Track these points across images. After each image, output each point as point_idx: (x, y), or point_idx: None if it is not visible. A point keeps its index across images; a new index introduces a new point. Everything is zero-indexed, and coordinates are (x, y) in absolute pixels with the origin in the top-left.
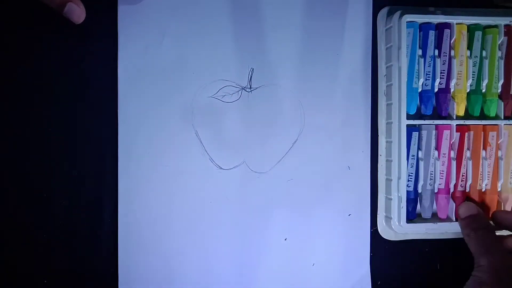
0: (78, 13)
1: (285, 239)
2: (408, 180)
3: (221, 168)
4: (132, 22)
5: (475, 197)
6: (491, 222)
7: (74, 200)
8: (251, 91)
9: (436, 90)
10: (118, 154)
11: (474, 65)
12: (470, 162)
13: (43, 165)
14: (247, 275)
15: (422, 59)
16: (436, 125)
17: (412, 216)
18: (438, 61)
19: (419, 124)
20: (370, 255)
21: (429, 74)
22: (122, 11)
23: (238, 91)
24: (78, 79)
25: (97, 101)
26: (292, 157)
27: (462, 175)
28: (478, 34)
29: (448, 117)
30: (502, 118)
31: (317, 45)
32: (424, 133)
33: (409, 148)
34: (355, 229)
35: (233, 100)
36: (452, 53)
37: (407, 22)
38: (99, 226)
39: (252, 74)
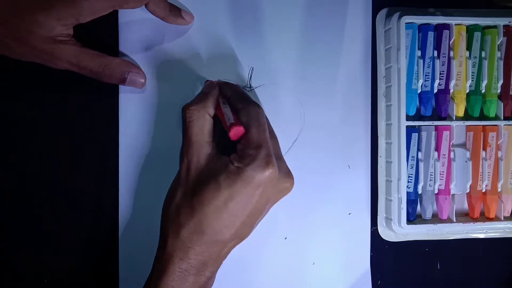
0: (142, 82)
1: (285, 238)
2: (408, 181)
3: None
4: (132, 22)
5: (476, 198)
6: None
7: (74, 200)
8: (251, 90)
9: (435, 91)
10: (118, 154)
11: (473, 66)
12: (470, 163)
13: (44, 165)
14: (247, 274)
15: (422, 60)
16: (436, 126)
17: (413, 217)
18: (437, 62)
19: (418, 125)
20: (370, 255)
21: (429, 75)
22: (123, 11)
23: None
24: (79, 79)
25: (98, 101)
26: (292, 156)
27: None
28: (477, 35)
29: (448, 118)
30: (502, 118)
31: (316, 45)
32: (423, 134)
33: (409, 149)
34: (355, 228)
35: None
36: (451, 54)
37: (406, 23)
38: (99, 226)
39: (252, 73)
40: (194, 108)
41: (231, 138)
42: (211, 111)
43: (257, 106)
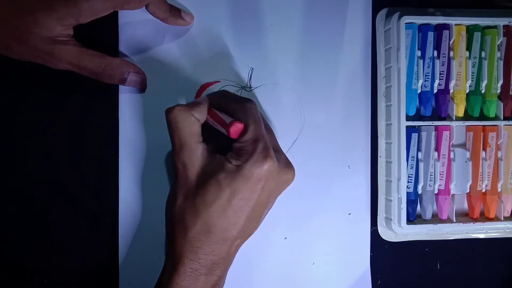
0: (142, 82)
1: (285, 238)
2: (408, 182)
3: None
4: (132, 22)
5: (476, 198)
6: None
7: (74, 200)
8: (251, 90)
9: (435, 91)
10: (118, 154)
11: (473, 66)
12: (470, 163)
13: (44, 165)
14: (247, 274)
15: (421, 60)
16: (436, 126)
17: (412, 217)
18: (437, 62)
19: (418, 126)
20: (370, 255)
21: (428, 75)
22: (123, 12)
23: (238, 91)
24: (79, 79)
25: (98, 101)
26: (291, 156)
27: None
28: (477, 35)
29: (448, 118)
30: (502, 118)
31: (316, 45)
32: (423, 134)
33: (409, 149)
34: (355, 228)
35: None
36: (451, 54)
37: (406, 23)
38: (99, 226)
39: (252, 73)
40: (178, 109)
41: (231, 136)
42: (197, 115)
43: (249, 101)
